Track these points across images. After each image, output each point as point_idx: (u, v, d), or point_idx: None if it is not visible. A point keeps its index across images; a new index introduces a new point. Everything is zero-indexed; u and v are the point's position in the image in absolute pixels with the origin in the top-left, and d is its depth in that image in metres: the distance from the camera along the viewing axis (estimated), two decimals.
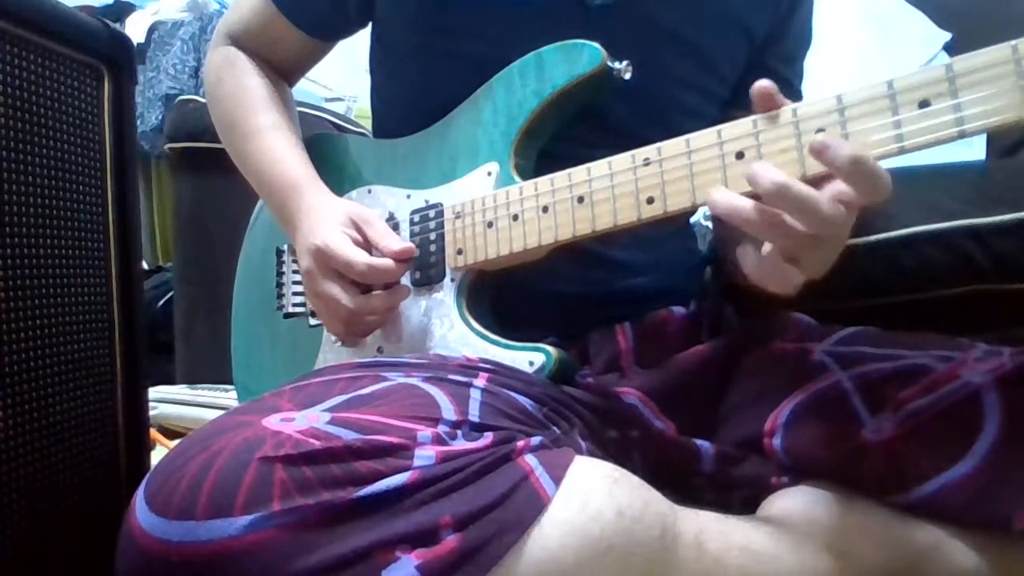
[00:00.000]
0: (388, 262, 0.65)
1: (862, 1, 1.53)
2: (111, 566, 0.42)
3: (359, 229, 0.67)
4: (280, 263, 0.82)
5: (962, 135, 0.45)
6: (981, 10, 1.36)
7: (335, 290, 0.66)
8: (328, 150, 0.81)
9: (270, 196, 0.76)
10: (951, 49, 1.40)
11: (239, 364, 0.89)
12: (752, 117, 0.52)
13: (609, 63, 0.62)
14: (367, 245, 0.67)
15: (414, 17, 0.71)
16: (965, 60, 0.45)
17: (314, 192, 0.72)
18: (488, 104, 0.68)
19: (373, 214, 0.69)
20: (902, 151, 0.47)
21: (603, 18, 0.66)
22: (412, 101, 0.75)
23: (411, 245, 0.67)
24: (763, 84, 0.50)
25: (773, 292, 0.50)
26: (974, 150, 1.25)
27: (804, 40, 0.79)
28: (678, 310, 0.71)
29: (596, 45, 0.62)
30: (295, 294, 0.79)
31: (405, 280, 0.69)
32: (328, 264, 0.66)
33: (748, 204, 0.47)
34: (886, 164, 0.47)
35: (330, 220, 0.68)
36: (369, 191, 0.76)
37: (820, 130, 0.49)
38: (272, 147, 0.76)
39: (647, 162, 0.56)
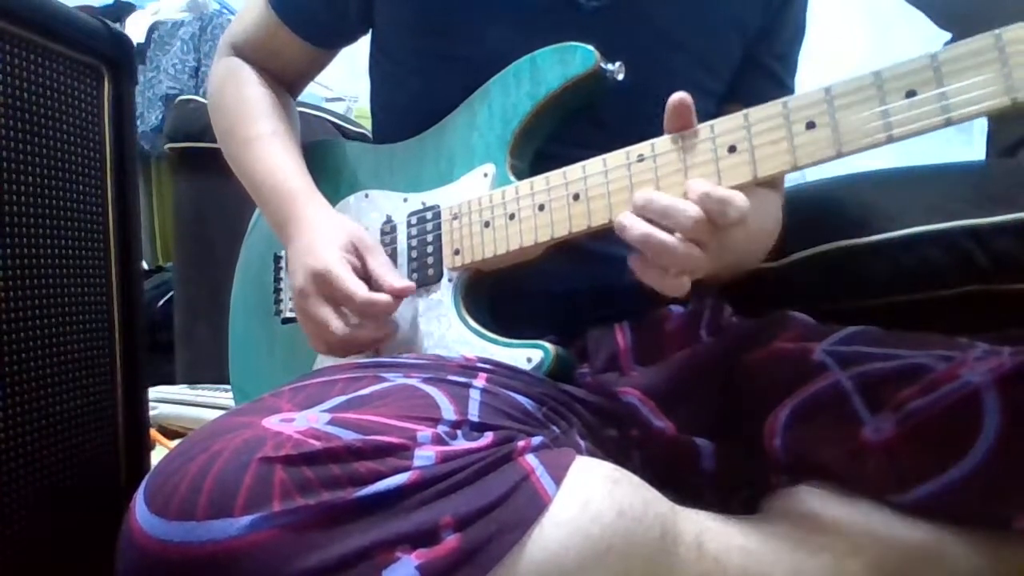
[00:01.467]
0: (387, 298, 0.64)
1: (862, 1, 1.53)
2: (111, 566, 0.42)
3: (360, 255, 0.67)
4: (278, 269, 0.82)
5: (948, 122, 0.46)
6: (981, 10, 1.36)
7: (328, 315, 0.65)
8: (326, 156, 0.81)
9: (266, 203, 0.76)
10: None
11: (236, 368, 0.89)
12: (743, 111, 0.52)
13: (602, 64, 0.63)
14: (365, 272, 0.67)
15: (411, 22, 0.72)
16: (950, 50, 0.46)
17: (310, 203, 0.72)
18: (483, 107, 0.68)
19: (377, 244, 0.69)
20: (891, 140, 0.47)
21: (597, 19, 0.66)
22: (411, 105, 0.75)
23: (412, 284, 0.66)
24: (679, 97, 0.53)
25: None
26: (974, 150, 1.25)
27: (797, 33, 0.79)
28: (676, 308, 0.71)
29: (589, 47, 0.63)
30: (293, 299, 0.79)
31: (404, 281, 0.69)
32: (325, 290, 0.65)
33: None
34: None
35: (332, 243, 0.67)
36: (366, 195, 0.76)
37: (810, 122, 0.50)
38: (270, 154, 0.76)
39: (641, 158, 0.56)
